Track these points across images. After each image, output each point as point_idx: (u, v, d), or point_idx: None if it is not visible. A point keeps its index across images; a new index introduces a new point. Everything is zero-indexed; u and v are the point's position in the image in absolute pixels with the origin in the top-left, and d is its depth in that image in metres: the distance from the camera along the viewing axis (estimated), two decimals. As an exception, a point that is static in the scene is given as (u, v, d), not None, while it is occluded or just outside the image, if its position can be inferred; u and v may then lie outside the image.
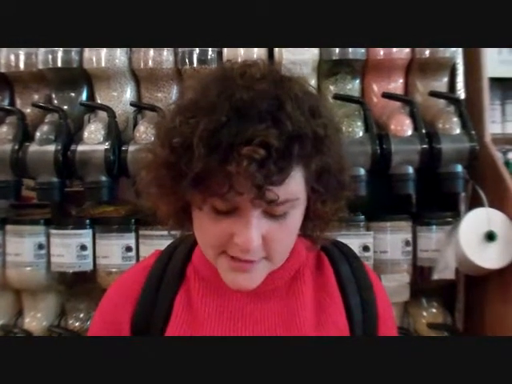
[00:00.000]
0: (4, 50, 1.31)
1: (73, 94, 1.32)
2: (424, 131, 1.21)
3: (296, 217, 0.65)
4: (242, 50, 1.23)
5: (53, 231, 1.28)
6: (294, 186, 0.61)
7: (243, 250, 0.62)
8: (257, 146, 0.56)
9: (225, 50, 1.25)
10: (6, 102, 1.37)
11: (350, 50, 1.23)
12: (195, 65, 1.25)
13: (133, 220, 1.28)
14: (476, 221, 1.19)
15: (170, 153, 0.61)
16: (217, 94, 0.60)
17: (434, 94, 1.25)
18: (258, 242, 0.62)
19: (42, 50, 1.28)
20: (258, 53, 1.23)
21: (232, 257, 0.65)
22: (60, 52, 1.27)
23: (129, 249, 1.26)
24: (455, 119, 1.21)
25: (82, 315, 1.35)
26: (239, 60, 1.17)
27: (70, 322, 1.35)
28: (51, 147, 1.21)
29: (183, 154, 0.59)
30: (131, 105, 1.28)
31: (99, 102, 1.30)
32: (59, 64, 1.27)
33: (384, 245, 1.25)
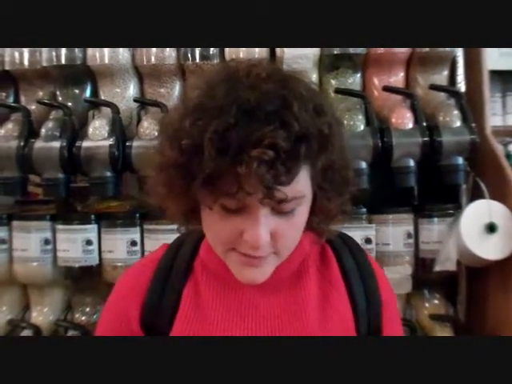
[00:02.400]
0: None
1: (77, 91, 1.33)
2: (425, 124, 1.21)
3: (303, 213, 0.67)
4: (243, 46, 1.23)
5: (59, 226, 1.30)
6: (301, 184, 0.63)
7: (252, 247, 0.64)
8: (266, 147, 0.57)
9: (227, 46, 1.26)
10: (10, 99, 1.38)
11: (351, 43, 1.24)
12: (198, 60, 1.26)
13: (137, 215, 1.29)
14: (477, 213, 1.20)
15: (179, 154, 0.62)
16: (224, 96, 0.61)
17: (435, 88, 1.26)
18: (267, 239, 0.63)
19: (45, 48, 1.29)
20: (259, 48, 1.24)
21: (242, 253, 0.66)
22: (64, 49, 1.28)
23: (134, 243, 1.27)
24: (456, 112, 1.22)
25: (88, 309, 1.37)
26: (241, 55, 1.23)
27: (77, 315, 1.37)
28: (56, 143, 1.22)
29: (193, 156, 0.60)
30: (135, 101, 1.29)
31: (103, 98, 1.31)
32: (63, 61, 1.28)
33: (386, 237, 1.26)
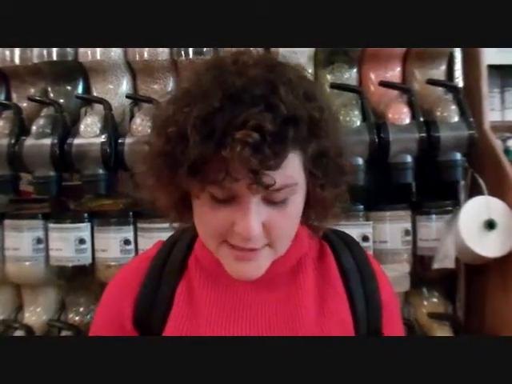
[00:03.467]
0: (-2, 44, 1.31)
1: (69, 88, 1.31)
2: (422, 119, 1.20)
3: (296, 203, 0.65)
4: (237, 41, 1.22)
5: (51, 225, 1.28)
6: (292, 171, 0.61)
7: (244, 239, 0.62)
8: (250, 129, 0.56)
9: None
10: (2, 97, 1.36)
11: (347, 38, 1.22)
12: (191, 56, 1.24)
13: (131, 213, 1.27)
14: (476, 209, 1.18)
15: (165, 142, 0.61)
16: (209, 82, 0.60)
17: (432, 82, 1.24)
18: (259, 230, 0.61)
19: (36, 45, 1.27)
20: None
21: (234, 246, 0.64)
22: (55, 45, 1.26)
23: (127, 242, 1.25)
24: (453, 107, 1.20)
25: (81, 309, 1.35)
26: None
27: (70, 315, 1.35)
28: (47, 141, 1.20)
29: (178, 143, 0.59)
30: (127, 97, 1.27)
31: (95, 94, 1.29)
32: (54, 57, 1.27)
33: (383, 234, 1.24)
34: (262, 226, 0.62)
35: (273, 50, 1.20)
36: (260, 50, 1.14)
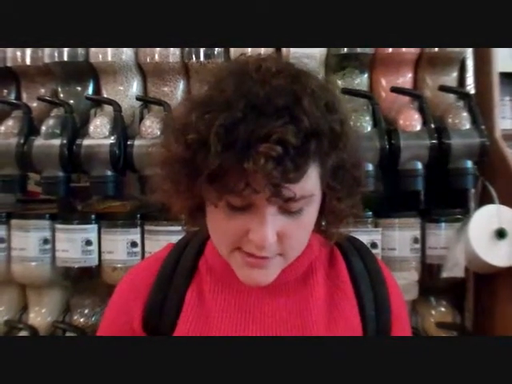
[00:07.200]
0: (10, 44, 1.31)
1: (79, 88, 1.31)
2: (433, 126, 1.19)
3: (311, 213, 0.65)
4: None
5: (58, 226, 1.27)
6: (310, 183, 0.61)
7: (258, 247, 0.62)
8: (274, 143, 0.56)
9: (232, 44, 1.23)
10: (12, 96, 1.36)
11: (359, 43, 1.21)
12: (202, 59, 1.24)
13: (138, 215, 1.27)
14: (486, 218, 1.17)
15: (184, 149, 0.61)
16: (232, 90, 0.60)
17: (444, 89, 1.23)
18: (273, 239, 0.62)
19: (48, 45, 1.28)
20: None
21: (246, 253, 0.64)
22: (66, 46, 1.26)
23: (134, 244, 1.24)
24: (465, 114, 1.20)
25: (86, 311, 1.34)
26: (249, 52, 1.19)
27: (75, 317, 1.34)
28: (56, 141, 1.20)
29: (199, 151, 0.59)
30: (137, 99, 1.27)
31: (105, 96, 1.29)
32: (65, 58, 1.27)
33: (392, 242, 1.23)
34: (277, 236, 0.62)
35: (283, 52, 1.20)
36: (272, 50, 1.18)
